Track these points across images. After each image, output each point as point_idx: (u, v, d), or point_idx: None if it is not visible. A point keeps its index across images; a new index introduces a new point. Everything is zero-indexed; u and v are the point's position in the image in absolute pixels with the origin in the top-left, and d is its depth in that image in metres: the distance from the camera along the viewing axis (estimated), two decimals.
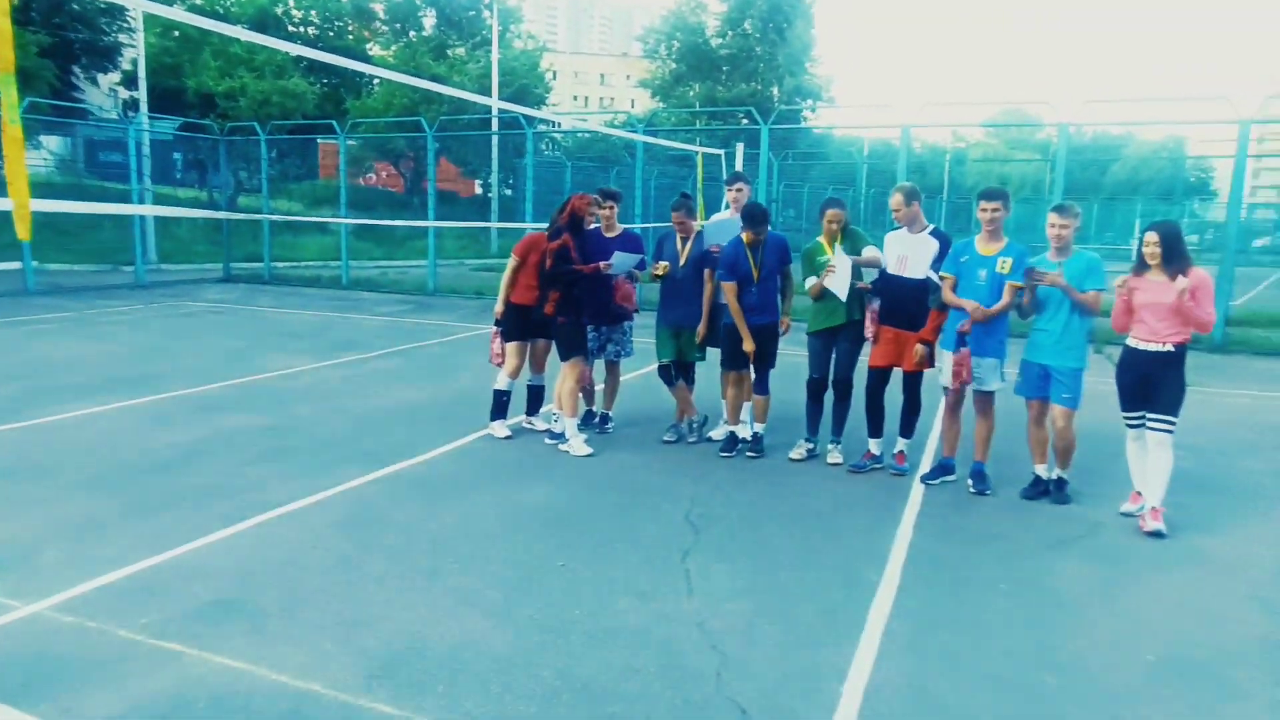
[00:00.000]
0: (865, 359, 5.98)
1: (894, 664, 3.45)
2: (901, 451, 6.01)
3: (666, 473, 5.87)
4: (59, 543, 4.41)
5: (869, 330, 5.90)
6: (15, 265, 15.54)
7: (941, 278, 5.58)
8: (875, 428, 6.02)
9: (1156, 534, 4.88)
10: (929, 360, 5.74)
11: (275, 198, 23.29)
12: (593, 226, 6.52)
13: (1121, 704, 3.22)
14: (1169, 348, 4.90)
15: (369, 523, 4.82)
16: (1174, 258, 4.84)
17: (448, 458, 6.12)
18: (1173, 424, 4.96)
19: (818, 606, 3.94)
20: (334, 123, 19.22)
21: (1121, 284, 5.05)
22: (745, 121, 31.29)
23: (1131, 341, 5.04)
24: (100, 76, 30.15)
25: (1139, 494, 5.21)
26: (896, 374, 5.93)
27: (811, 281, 5.96)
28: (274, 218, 18.24)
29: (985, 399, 5.58)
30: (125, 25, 26.46)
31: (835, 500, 5.41)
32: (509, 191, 31.78)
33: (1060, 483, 5.51)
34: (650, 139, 16.39)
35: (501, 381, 6.64)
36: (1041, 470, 5.55)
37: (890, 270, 5.76)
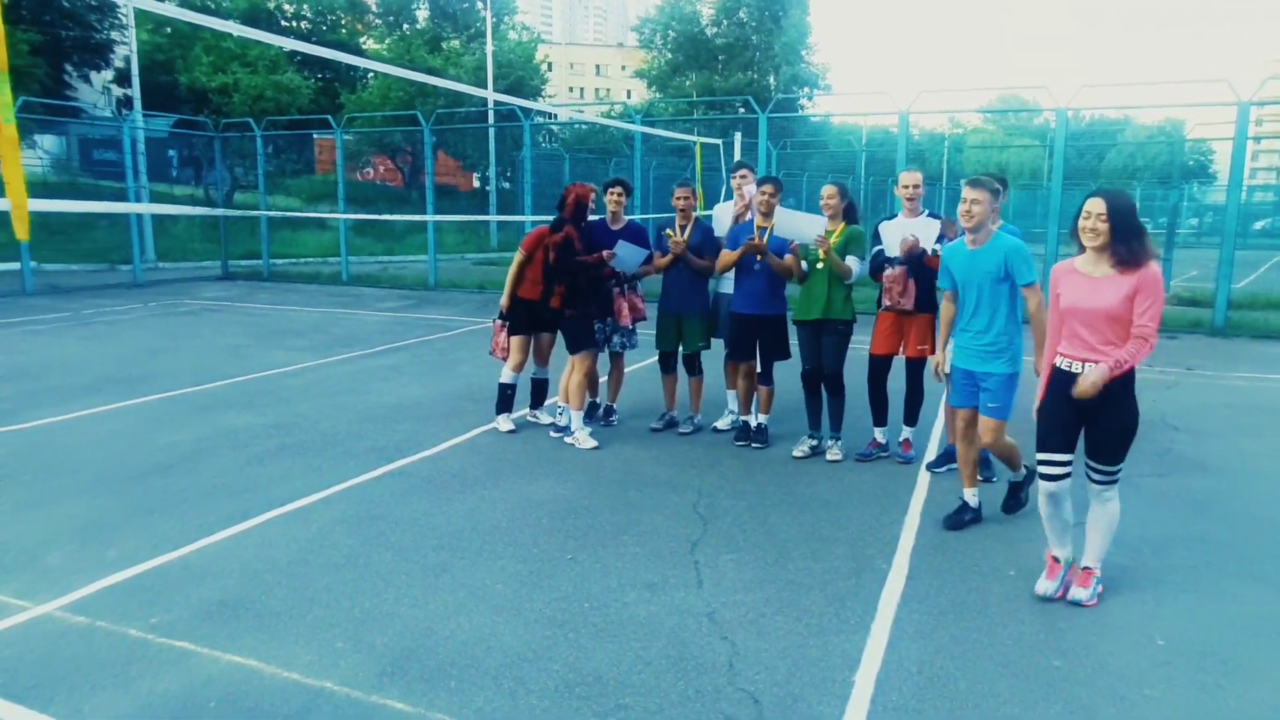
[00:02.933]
0: (866, 347, 5.97)
1: (905, 651, 3.44)
2: (907, 439, 6.00)
3: (673, 465, 5.86)
4: (64, 544, 4.40)
5: (898, 291, 5.73)
6: (14, 266, 15.52)
7: (937, 254, 5.58)
8: (879, 416, 6.01)
9: (1076, 603, 3.84)
10: (931, 346, 5.72)
11: (272, 194, 23.23)
12: (595, 218, 6.49)
13: (1129, 685, 3.22)
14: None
15: (375, 519, 4.81)
16: (1126, 241, 3.59)
17: (453, 453, 6.10)
18: (1117, 474, 3.80)
19: (828, 595, 3.93)
20: (329, 117, 19.14)
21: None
22: (743, 111, 31.22)
23: (1060, 361, 3.80)
24: (93, 74, 30.04)
25: (1056, 559, 3.98)
26: (898, 362, 5.93)
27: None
28: (271, 214, 18.19)
29: None
30: (117, 22, 26.36)
31: (842, 489, 5.40)
32: (508, 185, 31.71)
33: (1016, 486, 4.91)
34: (648, 129, 16.35)
35: (506, 375, 6.62)
36: (971, 495, 4.81)
37: (895, 254, 5.72)
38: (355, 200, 24.26)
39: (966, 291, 4.65)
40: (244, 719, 2.95)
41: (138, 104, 20.98)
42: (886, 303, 5.75)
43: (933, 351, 5.75)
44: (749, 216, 6.19)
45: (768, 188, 5.99)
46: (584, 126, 33.35)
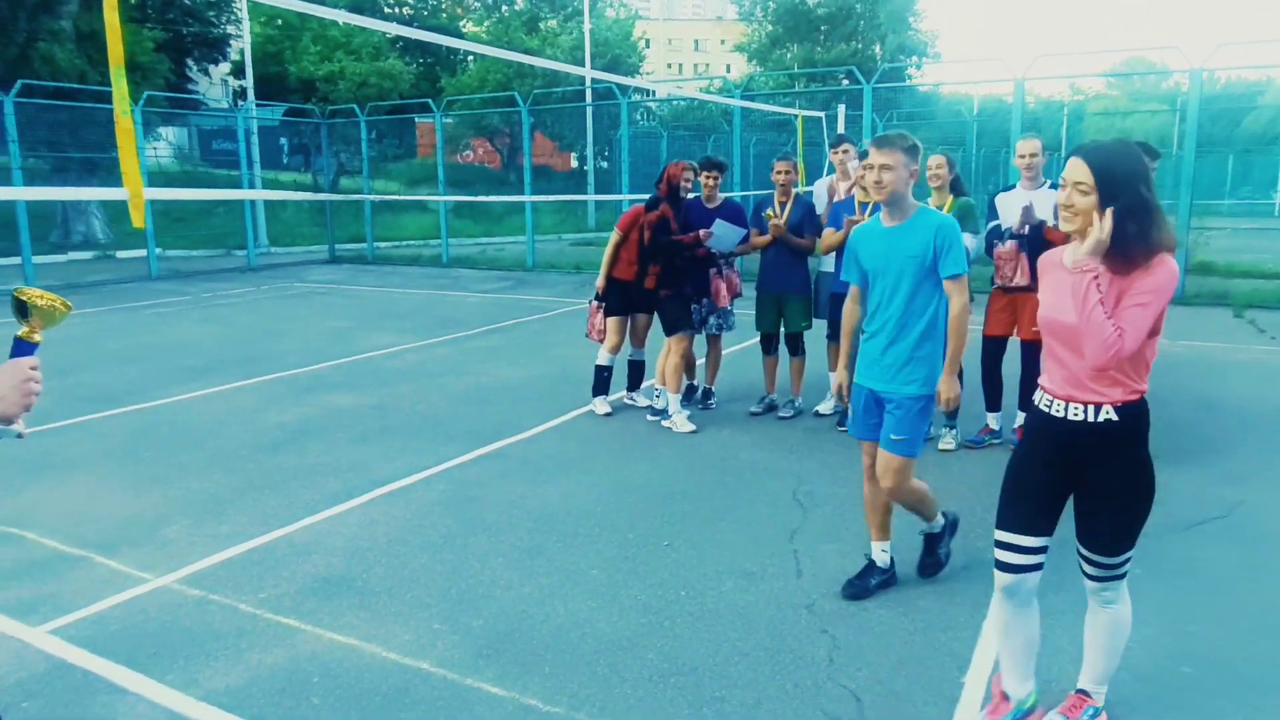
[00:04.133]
0: (980, 329, 5.70)
1: None
2: (1021, 426, 5.71)
3: (771, 449, 5.73)
4: (182, 519, 4.58)
5: (1010, 268, 5.45)
6: (140, 253, 16.40)
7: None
8: (993, 401, 5.73)
9: None
10: None
11: (376, 178, 23.88)
12: (691, 196, 6.37)
13: (1263, 695, 2.96)
14: (1108, 412, 2.49)
15: (472, 501, 4.85)
16: (1120, 225, 2.32)
17: (549, 435, 6.11)
18: (1123, 566, 2.65)
19: (935, 590, 3.76)
20: (429, 101, 19.49)
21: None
22: (846, 82, 30.39)
23: (1040, 399, 2.66)
24: (211, 68, 31.38)
25: (1006, 695, 2.84)
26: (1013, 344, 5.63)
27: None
28: (373, 198, 18.68)
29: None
30: (233, 16, 27.41)
31: (952, 478, 5.17)
32: (605, 164, 31.77)
33: (932, 540, 3.86)
34: (747, 104, 16.05)
35: (602, 357, 6.59)
36: (880, 551, 3.75)
37: (1013, 228, 5.42)
38: (455, 183, 24.68)
39: (877, 284, 3.55)
40: (344, 695, 2.99)
41: (250, 94, 21.82)
42: (998, 281, 5.46)
43: None
44: (851, 193, 5.97)
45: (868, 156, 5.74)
46: (682, 103, 33.10)
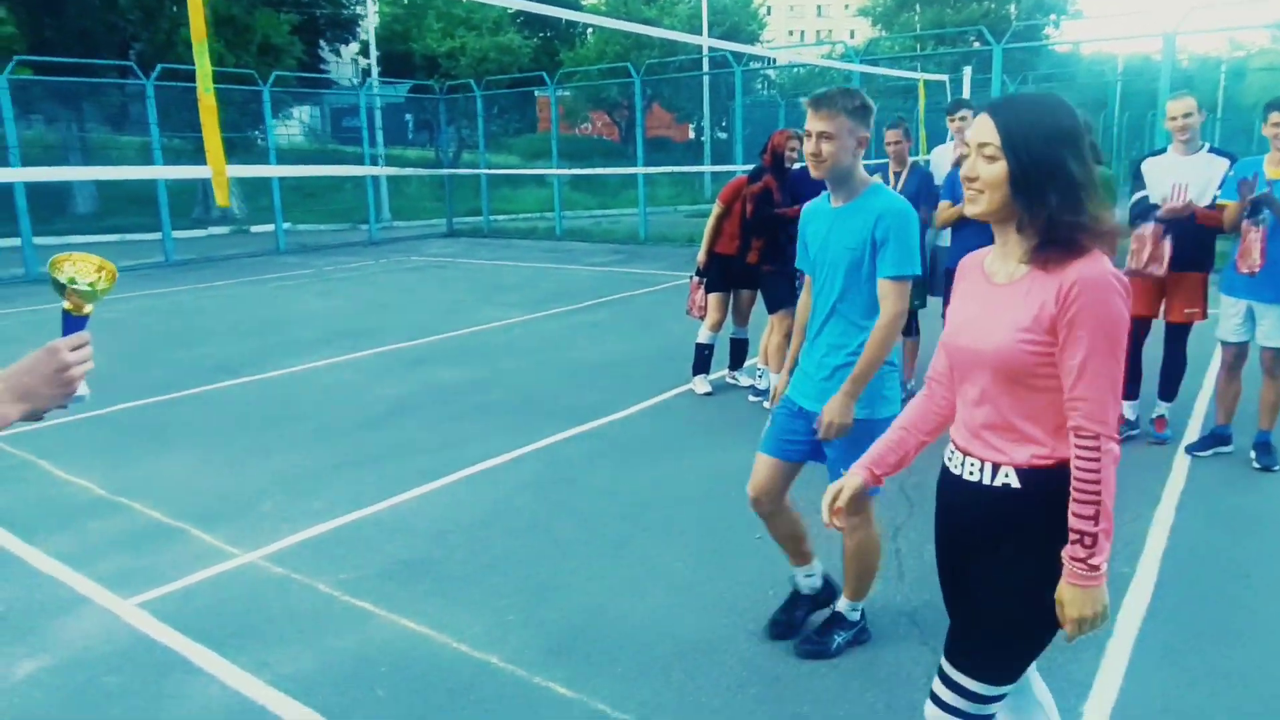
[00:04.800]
0: None
1: (1147, 681, 2.87)
2: (1162, 416, 5.16)
3: None
4: (277, 494, 4.63)
5: (1146, 254, 4.80)
6: (269, 227, 17.09)
7: (1220, 206, 4.65)
8: (1131, 388, 5.19)
9: None
10: (1201, 311, 4.85)
11: (497, 152, 24.18)
12: (797, 166, 6.03)
13: None
14: (1007, 476, 1.79)
15: (562, 483, 4.73)
16: (1026, 200, 1.70)
17: (646, 415, 5.94)
18: (978, 699, 1.86)
19: None
20: (544, 74, 19.51)
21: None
22: (976, 44, 28.83)
23: (947, 457, 1.95)
24: (342, 48, 32.45)
25: None
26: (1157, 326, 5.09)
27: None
28: (489, 172, 18.88)
29: (1277, 356, 4.63)
30: None
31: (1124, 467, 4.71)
32: (723, 135, 31.24)
33: (839, 624, 3.10)
34: (868, 68, 15.33)
35: (703, 335, 6.36)
36: (802, 576, 3.21)
37: (1161, 203, 4.82)
38: (572, 156, 24.72)
39: (817, 277, 2.94)
40: (410, 688, 2.91)
41: (374, 72, 22.39)
42: (1131, 264, 4.80)
43: (1204, 316, 4.87)
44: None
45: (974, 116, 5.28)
46: (801, 70, 32.14)
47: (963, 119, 5.86)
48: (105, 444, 5.48)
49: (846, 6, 71.66)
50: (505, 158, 27.75)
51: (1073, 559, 1.70)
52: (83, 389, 1.45)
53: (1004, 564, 1.81)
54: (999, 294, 1.77)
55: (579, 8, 32.11)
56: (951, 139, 6.13)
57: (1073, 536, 1.69)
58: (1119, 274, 1.67)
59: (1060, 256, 1.67)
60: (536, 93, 28.19)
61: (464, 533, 4.11)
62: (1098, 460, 1.67)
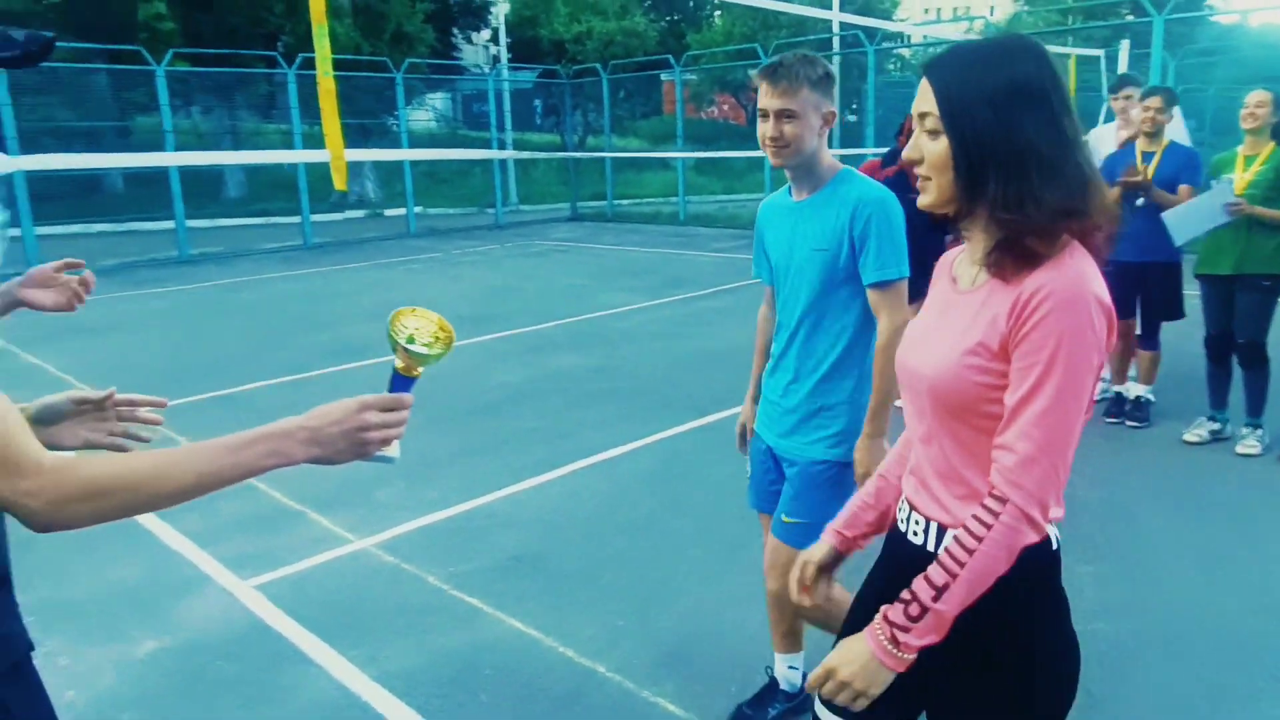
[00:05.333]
0: None
1: None
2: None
3: None
4: (396, 480, 4.64)
5: None
6: (400, 211, 17.58)
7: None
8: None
9: None
10: None
11: (623, 136, 24.17)
12: None
13: None
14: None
15: (679, 478, 4.57)
16: (969, 185, 1.31)
17: None
18: None
19: (1222, 638, 3.00)
20: (669, 57, 19.31)
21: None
22: (1131, 16, 26.85)
23: (899, 511, 1.57)
24: (474, 35, 33.12)
25: None
26: None
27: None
28: (613, 155, 18.84)
29: None
30: None
31: (1255, 494, 4.21)
32: (853, 117, 30.31)
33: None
34: None
35: None
36: (782, 665, 2.66)
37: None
38: (698, 139, 24.45)
39: (781, 288, 2.43)
40: (513, 694, 2.80)
41: (503, 58, 22.70)
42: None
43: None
44: (1132, 140, 5.00)
45: (1154, 101, 4.76)
46: (938, 47, 30.81)
47: (1127, 97, 5.33)
48: (236, 425, 5.57)
49: None
50: (630, 141, 27.75)
51: (888, 620, 1.30)
52: (393, 450, 1.33)
53: (967, 669, 1.38)
54: (957, 303, 1.40)
55: None
56: (1112, 118, 5.60)
57: (905, 596, 1.30)
58: (1101, 293, 1.30)
59: (1015, 262, 1.29)
60: (662, 76, 27.98)
61: (577, 527, 4.01)
62: (988, 530, 1.25)
